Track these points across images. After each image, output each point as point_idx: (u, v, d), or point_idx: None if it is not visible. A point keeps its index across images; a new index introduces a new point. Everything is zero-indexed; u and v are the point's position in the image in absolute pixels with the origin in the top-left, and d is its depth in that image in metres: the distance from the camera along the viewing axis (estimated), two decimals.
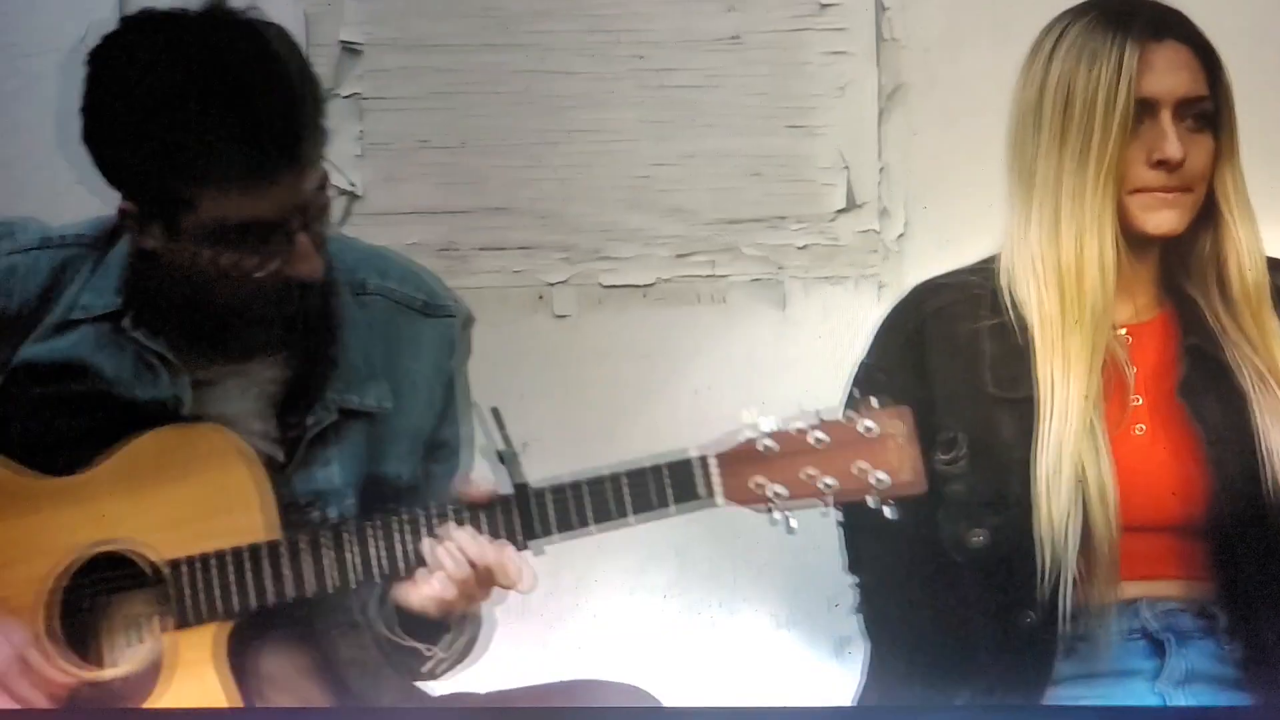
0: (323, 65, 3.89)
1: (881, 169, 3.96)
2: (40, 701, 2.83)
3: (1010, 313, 2.88)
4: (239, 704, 2.84)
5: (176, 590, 2.86)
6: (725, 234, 3.97)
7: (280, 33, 2.86)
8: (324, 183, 2.92)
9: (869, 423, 2.73)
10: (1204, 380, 2.79)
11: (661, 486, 2.81)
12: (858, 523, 2.95)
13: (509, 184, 3.89)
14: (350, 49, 3.97)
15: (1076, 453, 2.73)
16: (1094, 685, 2.86)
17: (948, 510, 2.82)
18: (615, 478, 2.84)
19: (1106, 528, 2.70)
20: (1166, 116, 2.78)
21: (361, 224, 3.89)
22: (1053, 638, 2.82)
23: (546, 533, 2.82)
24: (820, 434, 2.74)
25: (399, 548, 2.83)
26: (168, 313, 2.93)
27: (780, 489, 2.74)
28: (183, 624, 2.85)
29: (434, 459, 3.06)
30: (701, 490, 2.80)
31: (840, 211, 3.97)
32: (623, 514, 2.83)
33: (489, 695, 2.94)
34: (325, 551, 2.85)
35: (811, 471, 2.73)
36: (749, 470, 2.78)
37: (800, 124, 3.96)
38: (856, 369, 3.06)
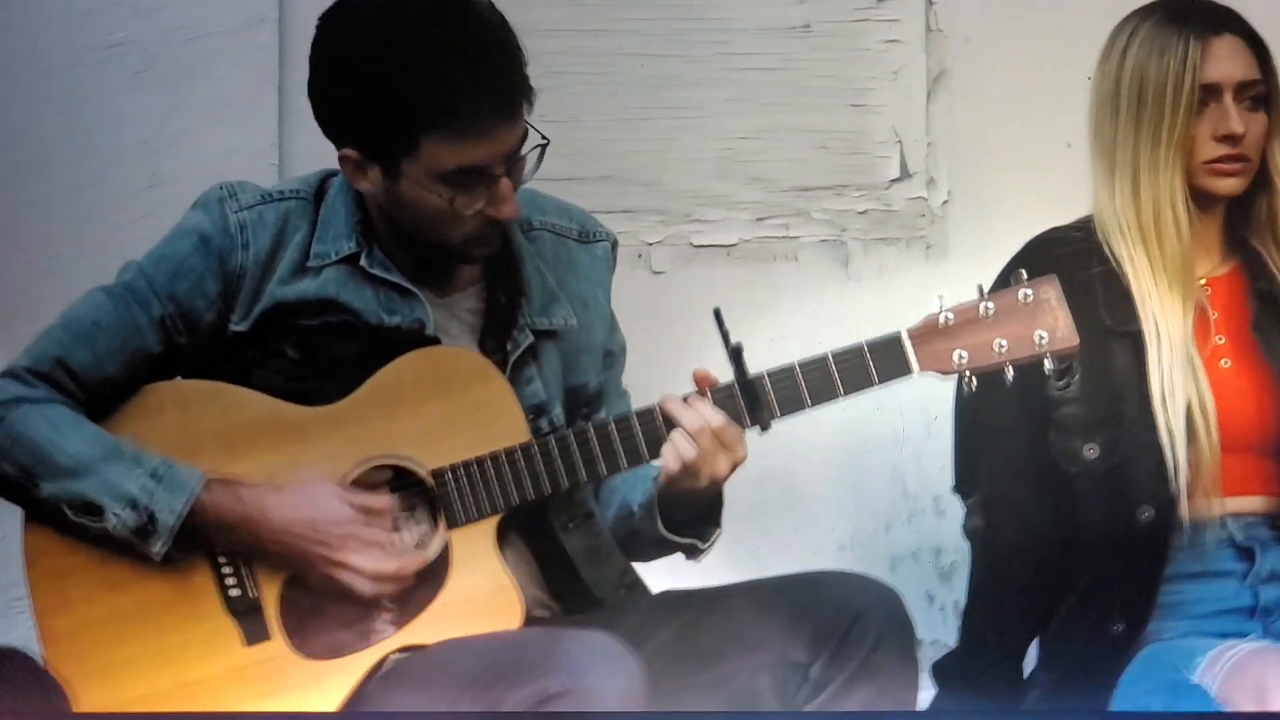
0: None
1: (929, 144, 4.21)
2: (382, 565, 3.00)
3: (1113, 262, 3.18)
4: (517, 590, 3.02)
5: (449, 493, 3.04)
6: (797, 200, 4.21)
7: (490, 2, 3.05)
8: (525, 134, 3.05)
9: (1026, 290, 2.97)
10: (1271, 318, 3.13)
11: (866, 364, 3.00)
12: (972, 445, 3.24)
13: (613, 155, 4.08)
14: None
15: (1184, 380, 3.06)
16: (1197, 582, 3.15)
17: (1060, 429, 3.09)
18: (825, 359, 3.02)
19: (1209, 445, 3.03)
20: (1228, 98, 3.11)
21: None
22: (1167, 534, 3.10)
23: (771, 415, 2.99)
24: (988, 304, 2.97)
25: (638, 437, 3.01)
26: (395, 252, 3.09)
27: (963, 353, 2.96)
28: (455, 523, 3.04)
29: (607, 365, 3.25)
30: (903, 363, 3.00)
31: (894, 181, 4.23)
32: (834, 393, 3.01)
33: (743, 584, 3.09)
34: (583, 446, 3.03)
35: (986, 336, 2.95)
36: (936, 341, 2.98)
37: (860, 103, 4.22)
38: None
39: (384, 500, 3.01)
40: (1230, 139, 3.11)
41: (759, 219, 4.20)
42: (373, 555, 3.00)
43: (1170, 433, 3.06)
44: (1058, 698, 3.22)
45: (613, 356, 3.27)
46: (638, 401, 3.17)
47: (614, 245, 3.28)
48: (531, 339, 3.13)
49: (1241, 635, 3.11)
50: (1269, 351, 3.12)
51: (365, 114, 3.05)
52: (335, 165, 3.16)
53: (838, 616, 2.95)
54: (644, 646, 2.95)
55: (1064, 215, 3.78)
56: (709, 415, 2.94)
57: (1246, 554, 3.12)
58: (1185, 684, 3.04)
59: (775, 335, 3.99)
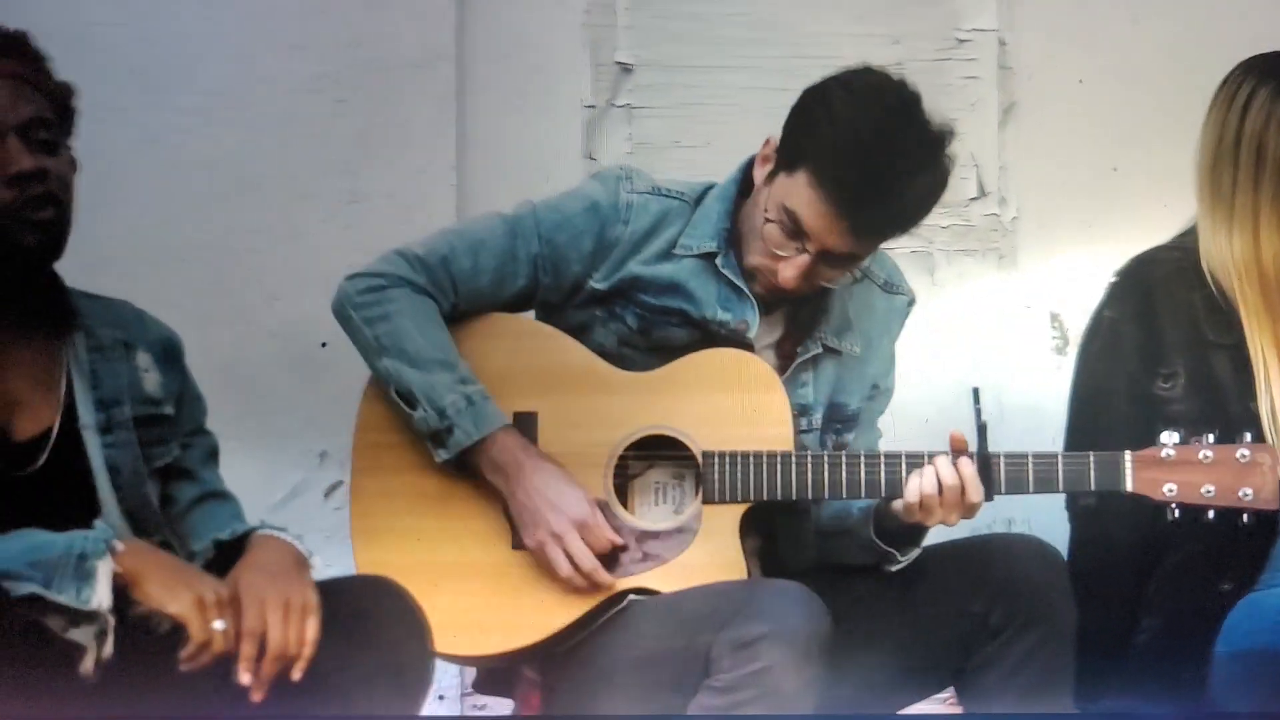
0: (603, 81, 4.39)
1: (1001, 167, 4.45)
2: (586, 560, 3.26)
3: (1213, 286, 3.38)
4: (745, 571, 3.23)
5: (712, 474, 3.27)
6: None
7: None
8: (857, 247, 3.28)
9: (1244, 450, 3.17)
10: None
11: (1087, 471, 3.21)
12: (1085, 434, 3.46)
13: None
14: (624, 68, 4.40)
15: None
16: None
17: (1168, 425, 3.23)
18: (1054, 457, 3.23)
19: None
20: None
21: None
22: (1273, 526, 3.29)
23: (996, 490, 3.20)
24: (1207, 453, 3.17)
25: (892, 474, 3.22)
26: (742, 263, 3.35)
27: (1173, 487, 3.17)
28: (710, 500, 3.28)
29: (870, 397, 3.48)
30: (1118, 480, 3.20)
31: (972, 199, 4.47)
32: (1053, 487, 3.23)
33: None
34: (834, 469, 3.25)
35: (1197, 479, 3.15)
36: (1154, 470, 3.18)
37: None
38: (1095, 317, 3.52)
39: (610, 532, 3.28)
40: None
41: None
42: (583, 551, 3.26)
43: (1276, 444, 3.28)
44: (1162, 640, 3.43)
45: (878, 391, 3.50)
46: None
47: (911, 303, 3.54)
48: (819, 351, 3.41)
49: None
50: None
51: (797, 127, 3.32)
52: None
53: (1009, 571, 3.23)
54: (843, 597, 3.21)
55: (1111, 229, 4.15)
56: (966, 474, 3.18)
57: None
58: None
59: None
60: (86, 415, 2.96)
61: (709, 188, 3.46)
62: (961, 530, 3.31)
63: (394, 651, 2.87)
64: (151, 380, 3.05)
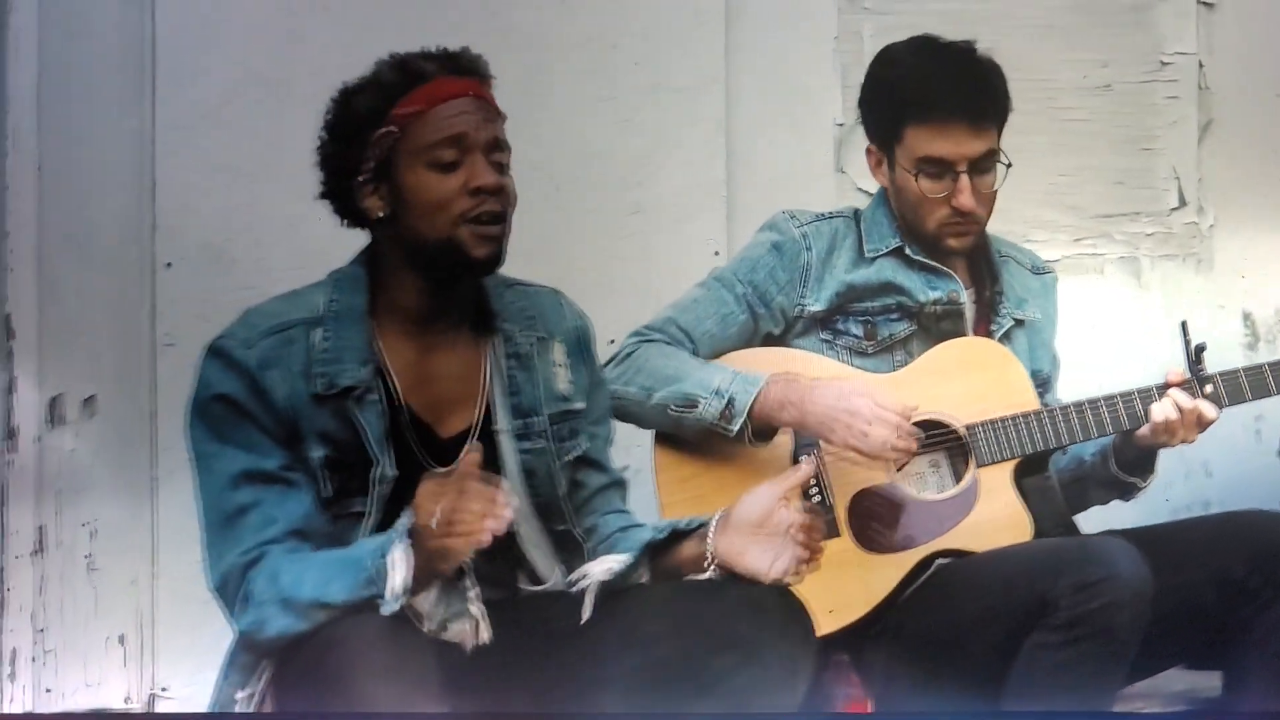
0: (851, 101, 4.29)
1: (1199, 179, 4.65)
2: (890, 416, 3.46)
3: None
4: (1027, 513, 3.47)
5: (979, 441, 3.56)
6: (1102, 225, 4.65)
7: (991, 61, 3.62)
8: (993, 154, 3.59)
9: None
10: None
11: None
12: None
13: None
14: None
15: None
16: None
17: None
18: (1261, 368, 3.56)
19: None
20: None
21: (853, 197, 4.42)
22: None
23: (1224, 402, 3.54)
24: None
25: (1131, 409, 3.53)
26: (924, 231, 3.64)
27: None
28: (982, 463, 3.55)
29: (1054, 365, 3.78)
30: None
31: (1173, 209, 4.67)
32: (1268, 392, 3.53)
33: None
34: (1081, 414, 3.56)
35: None
36: None
37: (1148, 147, 4.66)
38: None
39: (896, 403, 3.49)
40: None
41: (1075, 240, 4.63)
42: (884, 414, 3.48)
43: None
44: None
45: (1055, 361, 3.83)
46: None
47: (1055, 280, 3.84)
48: (1010, 324, 3.72)
49: None
50: None
51: (874, 111, 3.68)
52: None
53: (1266, 540, 3.49)
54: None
55: None
56: (1200, 400, 3.56)
57: None
58: None
59: (1090, 328, 4.47)
60: (504, 421, 3.13)
61: (859, 210, 3.77)
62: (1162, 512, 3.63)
63: (785, 643, 2.97)
64: (563, 377, 3.19)
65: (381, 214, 3.08)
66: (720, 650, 2.94)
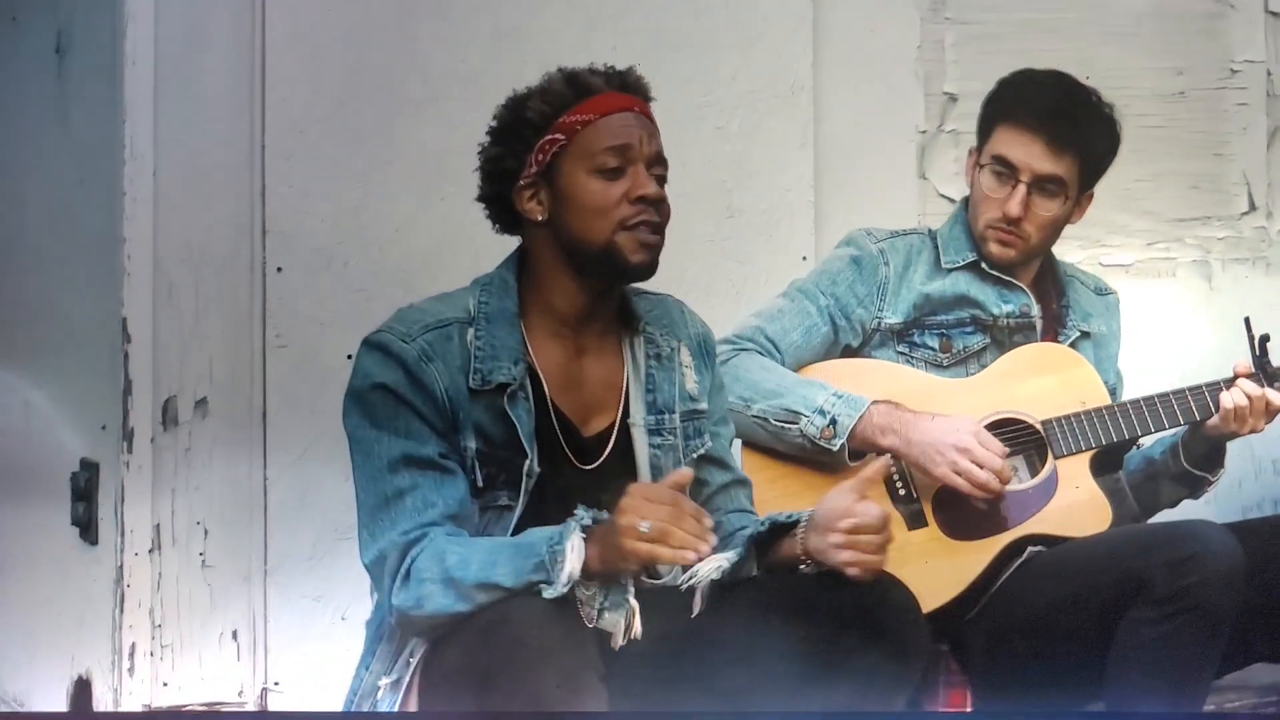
0: (933, 109, 4.69)
1: (1268, 184, 4.76)
2: (993, 459, 3.55)
3: None
4: (1105, 499, 3.60)
5: (1055, 435, 3.68)
6: (1175, 229, 4.76)
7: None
8: (1062, 180, 3.68)
9: None
10: None
11: None
12: None
13: None
14: (951, 97, 4.70)
15: None
16: None
17: None
18: None
19: None
20: None
21: None
22: None
23: None
24: None
25: (1200, 400, 3.64)
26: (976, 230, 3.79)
27: None
28: (1059, 455, 3.68)
29: (1119, 379, 3.90)
30: None
31: (1244, 213, 4.78)
32: None
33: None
34: (1151, 407, 3.67)
35: None
36: None
37: (1220, 153, 4.77)
38: None
39: (998, 443, 3.61)
40: None
41: (1149, 243, 4.75)
42: (987, 455, 3.58)
43: None
44: None
45: (1119, 377, 3.95)
46: None
47: (1117, 300, 3.96)
48: (1077, 335, 3.86)
49: None
50: None
51: (985, 108, 3.81)
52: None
53: None
54: None
55: None
56: (1267, 389, 3.67)
57: None
58: None
59: (1162, 329, 4.59)
60: (638, 415, 3.23)
61: (930, 229, 3.89)
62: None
63: (902, 623, 3.11)
64: (691, 378, 3.29)
65: (540, 217, 3.18)
66: (844, 630, 3.09)
